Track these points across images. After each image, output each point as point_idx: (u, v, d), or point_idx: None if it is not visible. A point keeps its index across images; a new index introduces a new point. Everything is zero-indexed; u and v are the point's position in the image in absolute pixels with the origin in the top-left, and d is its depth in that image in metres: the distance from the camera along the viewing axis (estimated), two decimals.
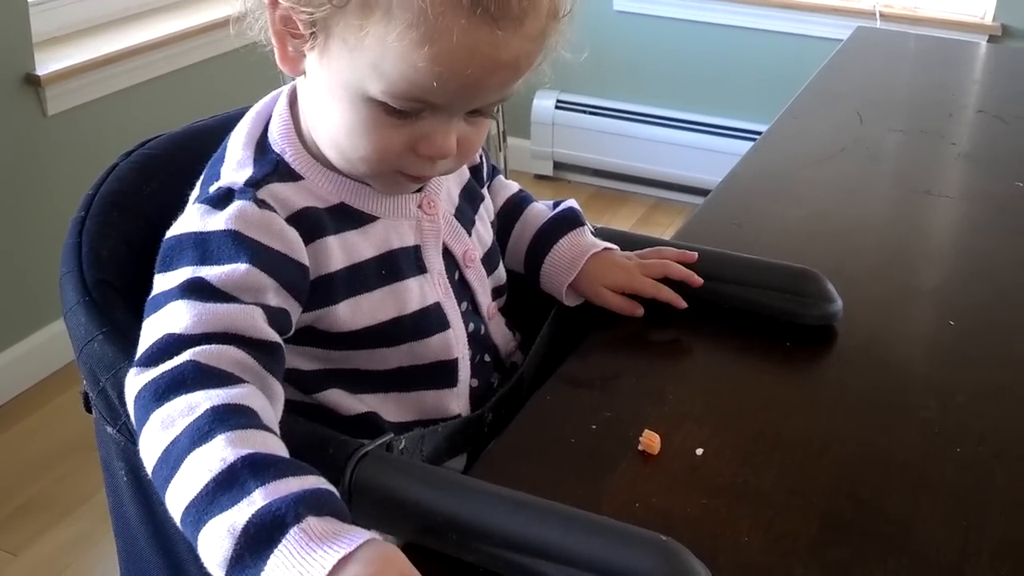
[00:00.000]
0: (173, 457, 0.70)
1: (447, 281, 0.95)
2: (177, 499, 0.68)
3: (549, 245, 1.07)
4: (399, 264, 0.92)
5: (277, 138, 0.90)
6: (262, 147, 0.89)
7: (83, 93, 2.45)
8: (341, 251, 0.88)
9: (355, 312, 0.88)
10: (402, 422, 0.92)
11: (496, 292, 1.03)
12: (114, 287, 0.92)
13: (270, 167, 0.88)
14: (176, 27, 2.65)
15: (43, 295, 2.32)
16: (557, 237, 1.07)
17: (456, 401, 0.95)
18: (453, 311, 0.95)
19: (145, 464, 0.73)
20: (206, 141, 1.00)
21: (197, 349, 0.75)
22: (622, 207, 3.53)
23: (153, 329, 0.78)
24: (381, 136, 0.83)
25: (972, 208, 1.41)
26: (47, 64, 2.37)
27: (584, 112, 3.56)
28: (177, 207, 0.90)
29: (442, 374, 0.94)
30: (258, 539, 0.64)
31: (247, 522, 0.64)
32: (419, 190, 0.94)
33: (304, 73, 0.86)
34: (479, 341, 0.99)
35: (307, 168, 0.89)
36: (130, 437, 0.87)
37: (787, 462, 0.87)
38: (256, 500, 0.65)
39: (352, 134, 0.84)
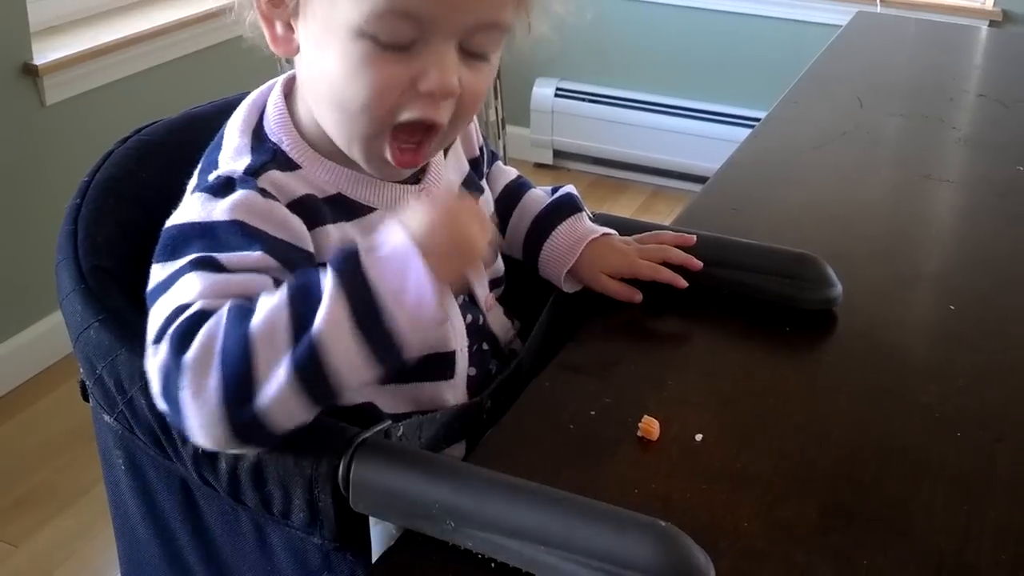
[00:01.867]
0: (236, 346, 0.72)
1: None
2: (273, 356, 0.72)
3: (547, 231, 1.07)
4: None
5: (274, 127, 0.89)
6: (259, 136, 0.89)
7: (81, 82, 2.45)
8: (340, 240, 0.88)
9: None
10: (396, 413, 0.91)
11: (493, 283, 1.02)
12: (110, 274, 0.91)
13: (268, 155, 0.87)
14: (174, 16, 2.64)
15: (42, 286, 2.30)
16: (555, 223, 1.07)
17: (452, 393, 0.94)
18: (451, 304, 0.95)
19: (205, 402, 0.73)
20: (202, 127, 0.99)
21: (204, 300, 0.76)
22: (622, 195, 3.52)
23: (162, 306, 0.78)
24: (379, 74, 0.81)
25: (973, 193, 1.40)
26: (45, 53, 2.36)
27: (584, 100, 3.56)
28: (173, 193, 0.89)
29: (439, 366, 0.94)
30: (352, 279, 0.73)
31: (337, 281, 0.73)
32: (417, 181, 0.94)
33: (297, 49, 0.86)
34: (477, 331, 0.98)
35: (304, 157, 0.88)
36: (128, 425, 0.87)
37: (787, 447, 0.87)
38: (328, 275, 0.73)
39: (351, 80, 0.82)
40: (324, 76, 0.84)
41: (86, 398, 0.93)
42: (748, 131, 1.60)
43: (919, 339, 1.06)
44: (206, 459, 0.81)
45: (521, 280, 1.07)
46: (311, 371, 0.72)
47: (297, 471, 0.77)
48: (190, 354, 0.73)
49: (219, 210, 0.82)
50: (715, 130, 3.38)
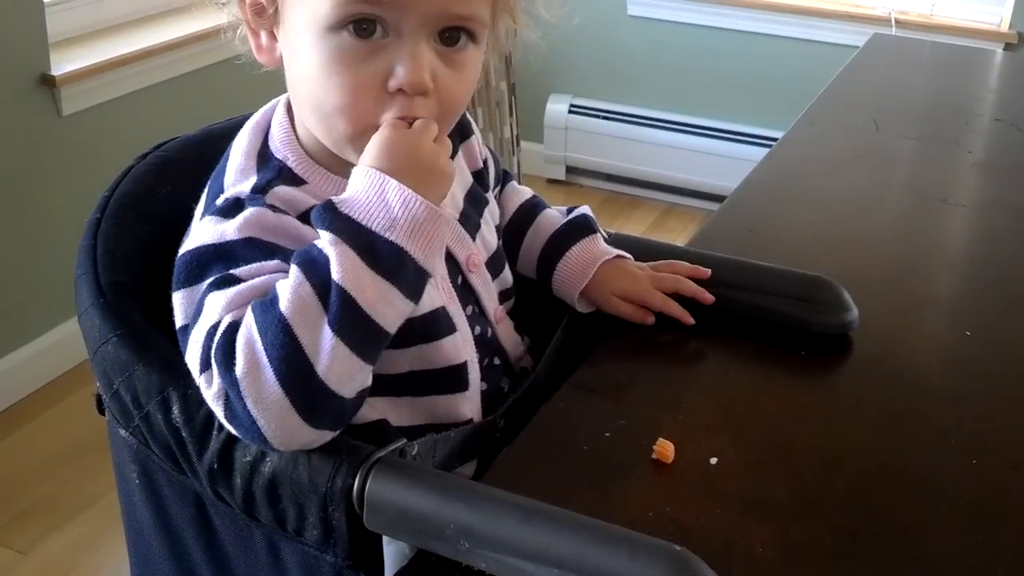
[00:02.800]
0: (275, 333, 0.75)
1: (450, 285, 0.95)
2: (312, 324, 0.75)
3: (561, 252, 1.07)
4: None
5: (279, 145, 0.90)
6: (263, 156, 0.90)
7: (98, 94, 2.46)
8: None
9: None
10: (414, 426, 0.91)
11: (503, 296, 1.02)
12: (129, 289, 0.92)
13: (274, 172, 0.88)
14: (191, 29, 2.65)
15: (56, 295, 2.32)
16: (569, 244, 1.07)
17: (467, 405, 0.95)
18: (459, 315, 0.95)
19: (270, 401, 0.75)
20: (221, 144, 0.99)
21: (228, 318, 0.78)
22: (635, 212, 3.52)
23: (196, 335, 0.79)
24: (351, 71, 0.81)
25: (988, 217, 1.40)
26: (62, 65, 2.38)
27: (597, 117, 3.56)
28: (192, 209, 0.90)
29: (453, 378, 0.94)
30: (342, 226, 0.78)
31: (330, 236, 0.77)
32: None
33: (280, 59, 0.87)
34: (487, 344, 0.98)
35: (309, 173, 0.89)
36: (143, 440, 0.87)
37: (802, 472, 0.87)
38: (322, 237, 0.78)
39: (324, 79, 0.82)
40: (301, 80, 0.85)
41: (102, 412, 0.93)
42: (762, 150, 1.60)
43: (935, 364, 1.06)
44: (221, 475, 0.81)
45: (535, 299, 1.07)
46: (351, 323, 0.76)
47: (311, 488, 0.77)
48: (239, 366, 0.75)
49: (231, 229, 0.83)
50: (729, 148, 3.38)
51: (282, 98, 0.93)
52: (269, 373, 0.75)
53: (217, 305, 0.79)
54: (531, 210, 1.11)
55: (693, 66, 3.46)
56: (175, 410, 0.83)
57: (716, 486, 0.84)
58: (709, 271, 1.06)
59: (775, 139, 1.62)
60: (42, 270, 2.40)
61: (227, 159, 0.91)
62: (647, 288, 1.05)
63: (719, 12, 3.37)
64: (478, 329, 0.97)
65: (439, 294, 0.93)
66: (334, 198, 0.79)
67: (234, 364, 0.75)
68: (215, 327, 0.78)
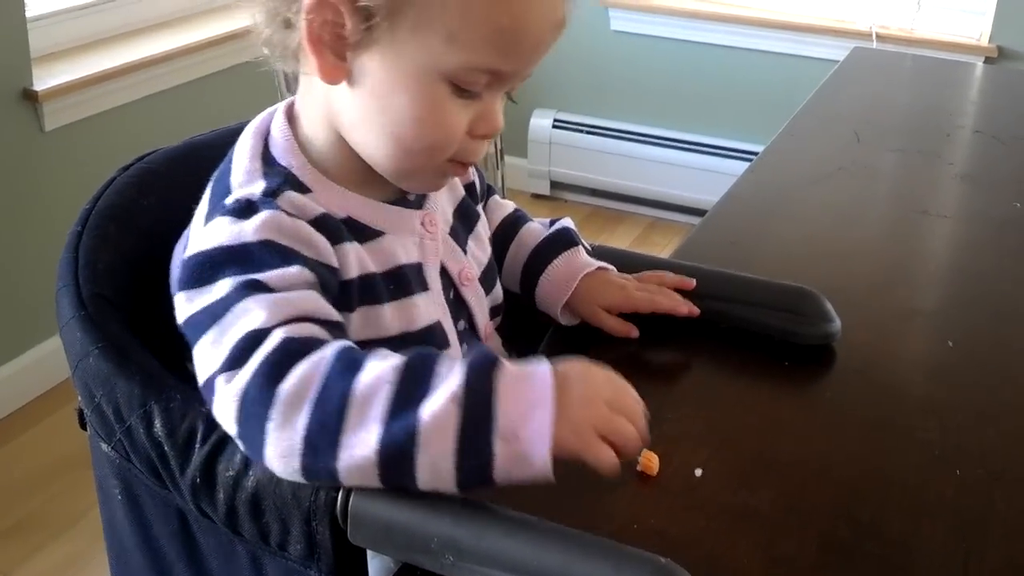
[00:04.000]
0: (335, 396, 0.72)
1: (443, 300, 0.95)
2: (364, 421, 0.71)
3: (544, 265, 1.07)
4: (407, 279, 0.91)
5: (282, 152, 0.89)
6: (268, 160, 0.89)
7: (81, 109, 2.46)
8: (356, 259, 0.88)
9: (366, 324, 0.88)
10: None
11: (493, 311, 1.02)
12: (110, 301, 0.91)
13: (280, 178, 0.87)
14: (174, 43, 2.65)
15: (40, 311, 2.31)
16: (551, 257, 1.07)
17: None
18: (452, 331, 0.95)
19: (289, 436, 0.72)
20: (204, 156, 0.99)
21: (283, 328, 0.76)
22: (619, 226, 3.53)
23: (223, 334, 0.77)
24: (449, 118, 0.84)
25: (970, 228, 1.41)
26: (45, 79, 2.37)
27: (581, 131, 3.57)
28: (175, 222, 0.89)
29: None
30: (479, 390, 0.71)
31: (462, 385, 0.71)
32: (420, 207, 0.94)
33: (347, 79, 0.85)
34: None
35: (314, 181, 0.88)
36: (125, 454, 0.86)
37: (786, 483, 0.87)
38: (454, 371, 0.72)
39: (420, 122, 0.84)
40: (387, 112, 0.84)
41: (84, 426, 0.93)
42: (745, 164, 1.61)
43: (918, 375, 1.06)
44: (204, 490, 0.81)
45: (519, 314, 1.07)
46: (398, 456, 0.71)
47: (295, 503, 0.77)
48: (285, 386, 0.73)
49: (249, 231, 0.81)
50: (712, 163, 3.39)
51: (280, 106, 0.93)
52: (304, 419, 0.72)
53: (256, 311, 0.77)
54: (513, 224, 1.11)
55: (676, 81, 3.48)
56: (157, 423, 0.82)
57: (701, 498, 0.84)
58: (694, 282, 1.06)
59: (759, 153, 1.63)
60: (25, 286, 2.39)
61: (230, 161, 0.90)
62: (632, 295, 1.05)
63: (701, 27, 3.39)
64: (465, 346, 0.97)
65: (437, 309, 0.93)
66: (501, 366, 0.73)
67: (282, 380, 0.73)
68: (260, 333, 0.75)
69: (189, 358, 0.90)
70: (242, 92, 2.74)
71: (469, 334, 0.98)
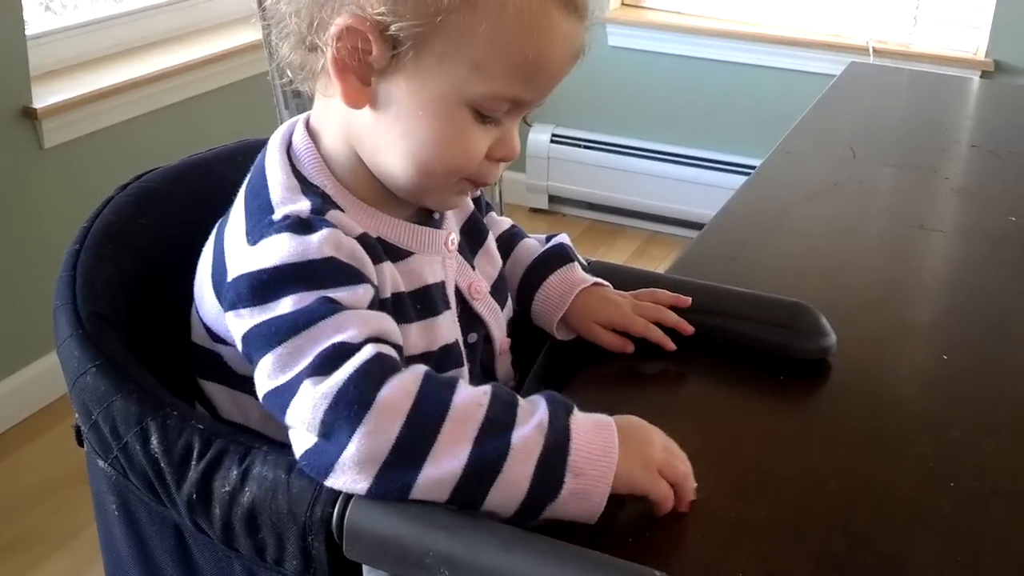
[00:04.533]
0: (432, 412, 0.76)
1: (456, 316, 0.96)
2: (457, 438, 0.75)
3: (539, 281, 1.07)
4: (433, 299, 0.93)
5: (314, 172, 0.89)
6: (300, 179, 0.89)
7: (80, 126, 2.46)
8: (390, 279, 0.89)
9: None
10: None
11: (508, 326, 1.03)
12: (108, 320, 0.91)
13: (319, 197, 0.87)
14: (172, 61, 2.66)
15: (37, 328, 2.31)
16: (547, 274, 1.07)
17: None
18: (463, 347, 0.96)
19: (378, 443, 0.74)
20: (202, 175, 1.00)
21: (372, 346, 0.78)
22: (617, 240, 3.53)
23: (307, 343, 0.78)
24: (471, 142, 0.86)
25: (966, 243, 1.41)
26: (44, 97, 2.38)
27: (579, 146, 3.58)
28: (172, 241, 0.90)
29: None
30: (559, 426, 0.78)
31: (547, 416, 0.78)
32: (441, 226, 0.96)
33: (370, 104, 0.86)
34: (484, 374, 0.99)
35: (345, 202, 0.89)
36: (122, 471, 0.87)
37: (781, 497, 0.87)
38: (538, 405, 0.79)
39: (443, 146, 0.85)
40: (411, 136, 0.85)
41: (80, 443, 0.93)
42: (742, 178, 1.61)
43: (913, 389, 1.06)
44: (200, 506, 0.81)
45: (517, 330, 1.07)
46: (482, 474, 0.75)
47: (291, 518, 0.77)
48: (383, 394, 0.75)
49: (313, 247, 0.82)
50: (709, 177, 3.40)
51: (299, 121, 0.93)
52: (397, 430, 0.74)
53: (346, 325, 0.78)
54: (509, 240, 1.12)
55: (673, 95, 3.49)
56: (154, 440, 0.82)
57: (697, 511, 0.84)
58: (689, 300, 1.07)
59: (755, 168, 1.63)
60: (23, 303, 2.40)
61: (263, 176, 0.89)
62: (628, 315, 1.05)
63: (699, 43, 3.40)
64: (477, 361, 0.98)
65: (454, 326, 0.94)
66: (576, 409, 0.80)
67: (380, 388, 0.75)
68: (348, 347, 0.77)
69: (202, 374, 0.91)
70: (240, 110, 2.75)
71: (481, 349, 0.99)
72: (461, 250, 0.99)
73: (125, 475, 0.87)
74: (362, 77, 0.84)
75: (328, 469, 0.75)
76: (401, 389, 0.76)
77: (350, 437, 0.74)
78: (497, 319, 1.01)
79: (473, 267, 1.00)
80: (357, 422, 0.74)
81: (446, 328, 0.93)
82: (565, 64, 0.86)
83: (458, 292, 0.97)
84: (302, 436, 0.77)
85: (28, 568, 2.02)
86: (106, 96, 2.49)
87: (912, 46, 3.24)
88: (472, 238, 1.02)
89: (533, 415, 0.78)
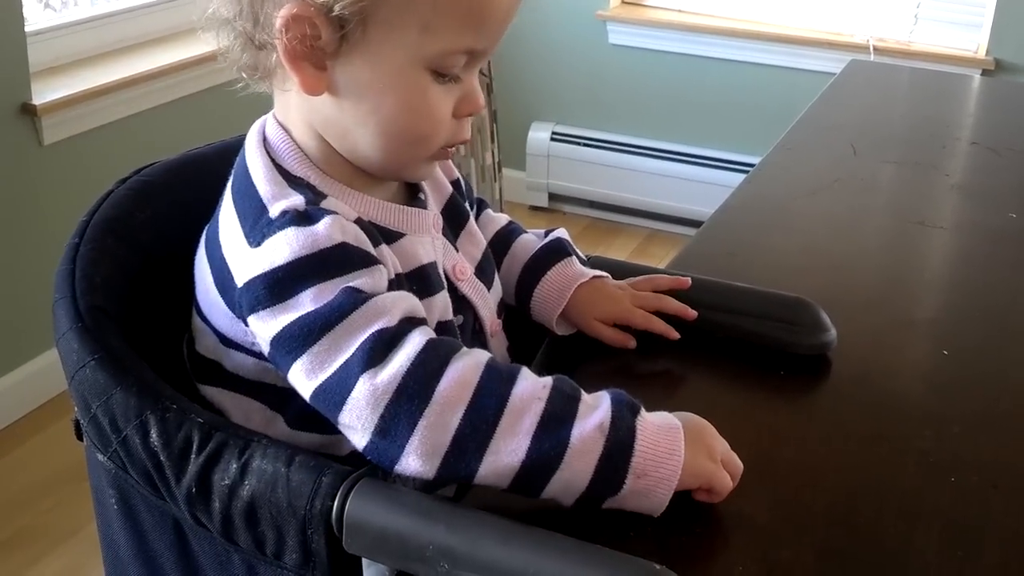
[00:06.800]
0: (491, 404, 0.77)
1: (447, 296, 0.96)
2: (515, 431, 0.77)
3: (538, 277, 1.07)
4: (429, 279, 0.93)
5: (295, 165, 0.89)
6: (285, 173, 0.89)
7: (79, 123, 2.46)
8: (390, 261, 0.89)
9: None
10: None
11: (499, 308, 1.03)
12: (107, 313, 0.91)
13: (308, 189, 0.87)
14: (172, 58, 2.66)
15: (38, 323, 2.31)
16: (545, 269, 1.07)
17: None
18: (455, 327, 0.95)
19: (439, 435, 0.76)
20: (201, 169, 1.00)
21: (418, 331, 0.80)
22: (617, 238, 3.53)
23: (349, 338, 0.79)
24: (436, 104, 0.86)
25: (966, 239, 1.41)
26: (44, 94, 2.38)
27: (579, 144, 3.58)
28: (172, 234, 0.89)
29: None
30: (623, 428, 0.79)
31: (610, 418, 0.78)
32: (426, 207, 0.96)
33: (328, 90, 0.86)
34: None
35: (332, 190, 0.89)
36: (121, 464, 0.86)
37: (782, 491, 0.87)
38: (600, 403, 0.80)
39: (410, 114, 0.86)
40: (378, 111, 0.86)
41: (80, 437, 0.93)
42: (742, 176, 1.61)
43: (913, 384, 1.06)
44: (199, 499, 0.81)
45: (516, 326, 1.07)
46: (541, 469, 0.77)
47: (290, 512, 0.77)
48: (442, 387, 0.77)
49: (322, 236, 0.82)
50: (710, 175, 3.40)
51: (266, 120, 0.93)
52: (458, 420, 0.76)
53: (378, 312, 0.79)
54: (507, 237, 1.11)
55: (674, 94, 3.49)
56: (153, 434, 0.82)
57: (696, 506, 0.84)
58: (689, 280, 1.07)
59: (756, 165, 1.63)
60: (23, 299, 2.40)
61: (247, 177, 0.89)
62: (628, 308, 1.05)
63: (699, 40, 3.40)
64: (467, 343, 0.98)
65: (448, 306, 0.94)
66: (643, 410, 0.81)
67: (438, 382, 0.77)
68: (388, 333, 0.78)
69: (204, 380, 0.90)
70: (239, 105, 2.74)
71: (470, 330, 0.99)
72: (443, 232, 0.99)
73: (124, 469, 0.86)
74: (316, 63, 0.85)
75: (394, 461, 0.77)
76: (460, 381, 0.77)
77: (412, 430, 0.76)
78: (484, 300, 1.00)
79: (456, 249, 1.00)
80: (418, 417, 0.76)
81: (441, 307, 0.93)
82: (511, 5, 0.86)
83: (444, 274, 0.97)
84: (363, 431, 0.78)
85: (27, 565, 2.03)
86: (106, 93, 2.49)
87: (912, 44, 3.24)
88: (453, 220, 1.01)
89: (596, 411, 0.79)
